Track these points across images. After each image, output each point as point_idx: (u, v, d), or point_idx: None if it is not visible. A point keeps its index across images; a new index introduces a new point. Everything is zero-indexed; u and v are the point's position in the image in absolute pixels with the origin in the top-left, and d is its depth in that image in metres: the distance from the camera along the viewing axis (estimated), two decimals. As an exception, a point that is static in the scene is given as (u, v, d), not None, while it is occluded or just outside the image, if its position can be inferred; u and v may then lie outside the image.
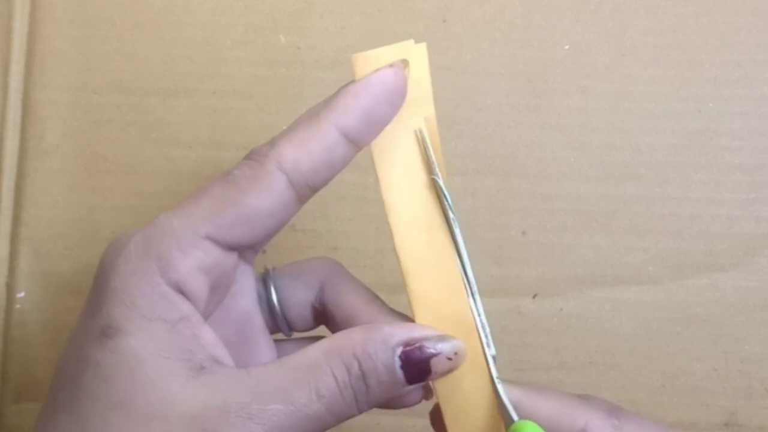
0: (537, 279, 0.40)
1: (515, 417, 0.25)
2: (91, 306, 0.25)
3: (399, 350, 0.25)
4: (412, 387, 0.25)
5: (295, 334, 0.30)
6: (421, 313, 0.27)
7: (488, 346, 0.26)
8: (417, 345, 0.25)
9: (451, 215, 0.26)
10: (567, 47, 0.41)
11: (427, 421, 0.28)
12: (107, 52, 0.41)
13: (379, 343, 0.25)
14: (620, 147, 0.40)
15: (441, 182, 0.26)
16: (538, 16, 0.41)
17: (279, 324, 0.30)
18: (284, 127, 0.40)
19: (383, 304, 0.28)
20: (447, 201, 0.26)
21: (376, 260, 0.40)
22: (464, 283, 0.27)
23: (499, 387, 0.26)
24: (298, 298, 0.29)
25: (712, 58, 0.40)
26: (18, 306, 0.40)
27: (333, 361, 0.24)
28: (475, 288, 0.27)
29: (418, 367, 0.25)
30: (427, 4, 0.41)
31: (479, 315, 0.26)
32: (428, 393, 0.28)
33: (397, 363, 0.25)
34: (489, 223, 0.40)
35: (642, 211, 0.40)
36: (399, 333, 0.25)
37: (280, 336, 0.30)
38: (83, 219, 0.40)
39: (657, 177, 0.40)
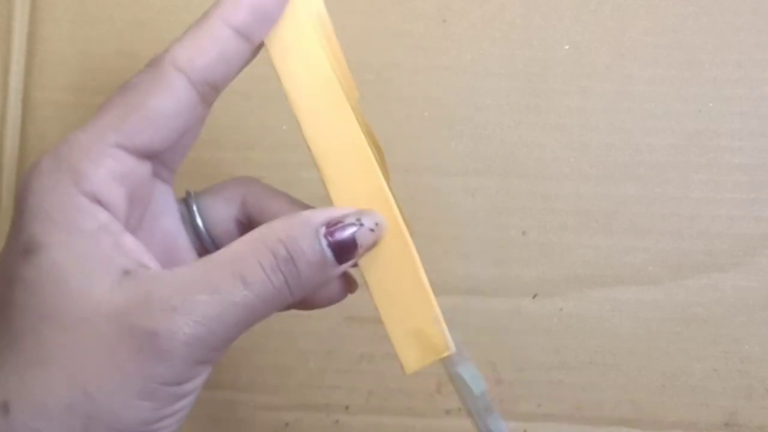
0: (537, 279, 0.40)
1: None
2: (12, 229, 0.25)
3: (323, 230, 0.25)
4: (341, 267, 0.26)
5: None
6: (337, 195, 0.27)
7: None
8: (339, 223, 0.26)
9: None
10: (567, 47, 0.41)
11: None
12: (107, 52, 0.41)
13: (302, 225, 0.25)
14: (620, 147, 0.40)
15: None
16: (538, 16, 0.41)
17: (205, 243, 0.30)
18: (284, 127, 0.40)
19: (306, 205, 0.29)
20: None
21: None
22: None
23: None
24: (222, 214, 0.30)
25: (712, 58, 0.40)
26: (18, 306, 0.40)
27: (257, 249, 0.25)
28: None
29: (344, 244, 0.26)
30: (427, 4, 0.41)
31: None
32: (351, 286, 0.28)
33: (324, 242, 0.25)
34: (489, 223, 0.40)
35: (642, 211, 0.40)
36: (319, 215, 0.26)
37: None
38: (83, 219, 0.40)
39: (657, 177, 0.40)
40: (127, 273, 0.24)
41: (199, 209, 0.30)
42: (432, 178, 0.40)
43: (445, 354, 0.27)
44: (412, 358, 0.27)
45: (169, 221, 0.29)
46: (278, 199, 0.29)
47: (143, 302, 0.24)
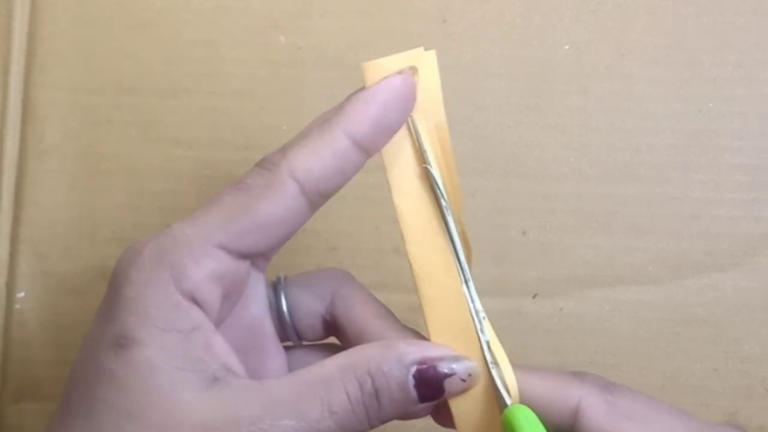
0: (537, 279, 0.40)
1: (508, 401, 0.25)
2: (104, 314, 0.25)
3: (413, 369, 0.25)
4: (422, 406, 0.25)
5: (305, 343, 0.30)
6: (433, 323, 0.26)
7: (482, 332, 0.26)
8: (431, 365, 0.25)
9: (443, 203, 0.26)
10: (567, 47, 0.41)
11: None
12: (107, 52, 0.41)
13: (394, 360, 0.25)
14: (620, 147, 0.40)
15: (434, 172, 0.26)
16: (538, 16, 0.41)
17: (288, 333, 0.29)
18: (284, 127, 0.40)
19: (395, 319, 0.28)
20: (440, 190, 0.26)
21: (376, 260, 0.40)
22: (458, 271, 0.26)
23: (493, 372, 0.26)
24: (309, 309, 0.29)
25: (712, 58, 0.40)
26: (18, 306, 0.40)
27: (347, 377, 0.24)
28: (468, 275, 0.27)
29: (431, 387, 0.25)
30: (427, 4, 0.41)
31: (473, 301, 0.26)
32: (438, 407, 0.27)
33: (411, 382, 0.25)
34: (489, 223, 0.40)
35: (642, 211, 0.40)
36: (414, 351, 0.25)
37: (290, 343, 0.30)
38: (83, 219, 0.40)
39: (657, 177, 0.40)
40: (216, 380, 0.24)
41: (287, 298, 0.29)
42: (432, 178, 0.40)
43: None
44: None
45: (257, 308, 0.29)
46: (368, 309, 0.28)
47: (232, 420, 0.23)
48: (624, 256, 0.40)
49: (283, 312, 0.29)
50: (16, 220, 0.40)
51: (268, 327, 0.29)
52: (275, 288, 0.29)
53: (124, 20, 0.41)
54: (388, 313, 0.28)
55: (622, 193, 0.40)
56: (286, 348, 0.30)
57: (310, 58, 0.41)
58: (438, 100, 0.27)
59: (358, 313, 0.28)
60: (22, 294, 0.40)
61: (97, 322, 0.25)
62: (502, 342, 0.26)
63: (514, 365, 0.26)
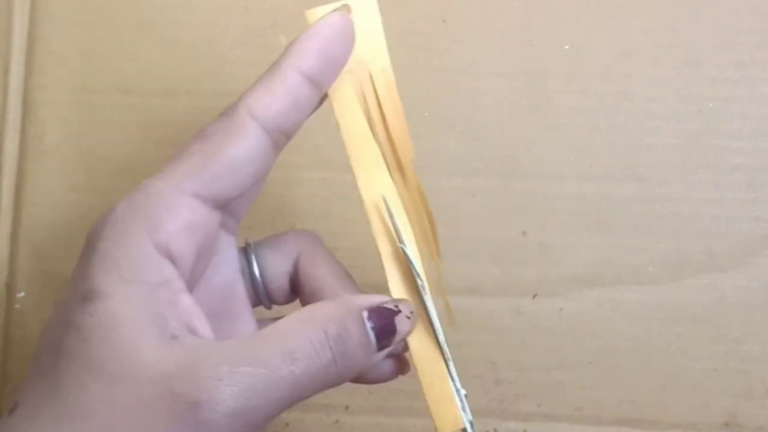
0: (537, 279, 0.40)
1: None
2: (76, 274, 0.25)
3: (366, 314, 0.26)
4: (380, 354, 0.27)
5: (275, 308, 0.31)
6: (384, 255, 0.29)
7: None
8: (380, 308, 0.27)
9: (419, 282, 0.28)
10: (567, 47, 0.41)
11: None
12: (107, 52, 0.41)
13: (348, 308, 0.26)
14: (620, 147, 0.40)
15: (408, 251, 0.29)
16: (538, 16, 0.41)
17: (259, 295, 0.30)
18: (284, 127, 0.40)
19: (352, 281, 0.30)
20: (415, 270, 0.28)
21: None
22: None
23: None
24: (277, 268, 0.30)
25: (712, 58, 0.40)
26: (18, 306, 0.40)
27: (307, 326, 0.25)
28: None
29: (386, 328, 0.26)
30: (427, 4, 0.41)
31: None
32: (404, 367, 0.29)
33: (368, 325, 0.26)
34: (489, 223, 0.40)
35: (642, 211, 0.40)
36: (362, 300, 0.27)
37: (261, 315, 0.31)
38: (83, 219, 0.40)
39: (657, 177, 0.40)
40: (174, 338, 0.24)
41: (257, 260, 0.30)
42: (432, 178, 0.40)
43: (458, 428, 0.28)
44: (440, 423, 0.28)
45: (229, 272, 0.29)
46: (327, 268, 0.30)
47: (189, 370, 0.23)
48: (624, 256, 0.40)
49: (254, 273, 0.30)
50: (16, 220, 0.40)
51: (241, 291, 0.29)
52: (246, 251, 0.30)
53: (124, 20, 0.41)
54: (347, 276, 0.30)
55: (622, 193, 0.40)
56: (258, 320, 0.30)
57: (310, 58, 0.41)
58: (381, 44, 0.28)
59: (318, 271, 0.30)
60: (22, 294, 0.40)
61: (69, 284, 0.25)
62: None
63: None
